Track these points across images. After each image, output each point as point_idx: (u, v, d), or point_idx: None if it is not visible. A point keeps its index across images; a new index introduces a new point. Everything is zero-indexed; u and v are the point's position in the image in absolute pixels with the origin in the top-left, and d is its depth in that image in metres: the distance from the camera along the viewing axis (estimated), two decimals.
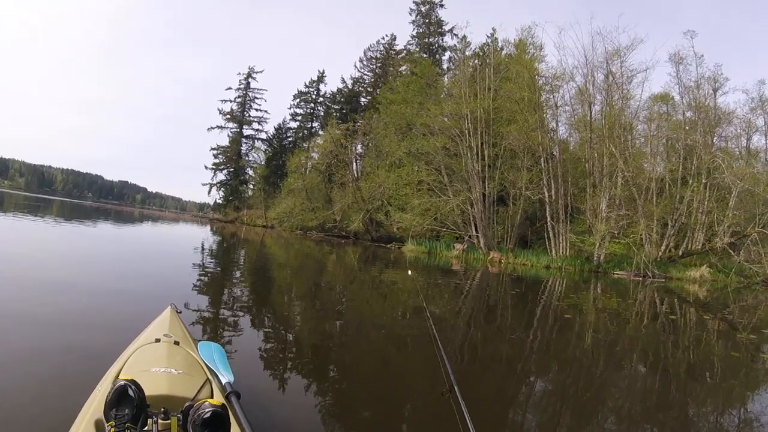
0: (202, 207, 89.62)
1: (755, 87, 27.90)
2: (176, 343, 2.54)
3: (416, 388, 3.90)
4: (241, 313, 5.88)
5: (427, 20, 42.05)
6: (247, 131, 53.67)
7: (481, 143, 26.09)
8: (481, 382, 4.24)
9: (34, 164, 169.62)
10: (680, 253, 24.67)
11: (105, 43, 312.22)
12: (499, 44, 32.46)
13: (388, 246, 29.12)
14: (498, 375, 4.59)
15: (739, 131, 28.20)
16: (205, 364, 2.37)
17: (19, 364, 3.17)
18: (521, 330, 7.01)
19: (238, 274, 10.97)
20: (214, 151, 53.43)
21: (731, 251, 23.11)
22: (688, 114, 27.30)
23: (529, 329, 7.12)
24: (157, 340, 2.52)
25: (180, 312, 3.26)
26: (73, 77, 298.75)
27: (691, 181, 24.34)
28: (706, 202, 24.30)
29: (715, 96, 27.07)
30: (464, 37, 32.88)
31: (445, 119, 27.42)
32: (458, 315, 8.00)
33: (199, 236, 23.23)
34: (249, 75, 53.46)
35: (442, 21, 42.09)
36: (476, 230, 25.77)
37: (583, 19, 31.92)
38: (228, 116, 52.99)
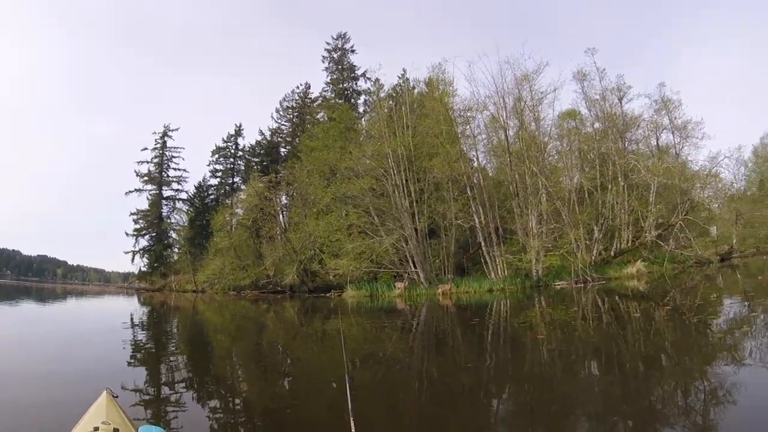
0: (126, 277, 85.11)
1: (656, 90, 30.08)
2: (116, 430, 2.43)
3: None
4: (182, 389, 5.43)
5: (339, 66, 42.61)
6: (166, 192, 51.55)
7: (406, 180, 26.23)
8: (451, 415, 4.10)
9: None
10: (612, 253, 25.75)
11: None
12: (411, 84, 33.34)
13: (327, 295, 28.30)
14: (463, 406, 4.42)
15: (647, 132, 30.24)
16: None
17: None
18: (476, 357, 6.91)
19: (173, 346, 10.29)
20: (134, 216, 50.93)
21: (660, 242, 24.39)
22: (597, 125, 29.04)
23: (484, 355, 7.03)
24: (96, 429, 2.39)
25: (116, 396, 3.09)
26: None
27: (610, 186, 25.64)
28: (626, 203, 25.63)
29: (621, 104, 29.18)
30: (377, 79, 33.43)
31: (368, 160, 27.41)
32: (411, 353, 7.76)
33: (127, 309, 21.81)
34: (165, 134, 51.65)
35: (355, 66, 42.87)
36: (414, 266, 25.62)
37: (490, 50, 33.66)
38: (146, 178, 50.72)
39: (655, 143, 30.88)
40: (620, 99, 29.25)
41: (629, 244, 26.20)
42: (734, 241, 27.02)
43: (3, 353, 7.37)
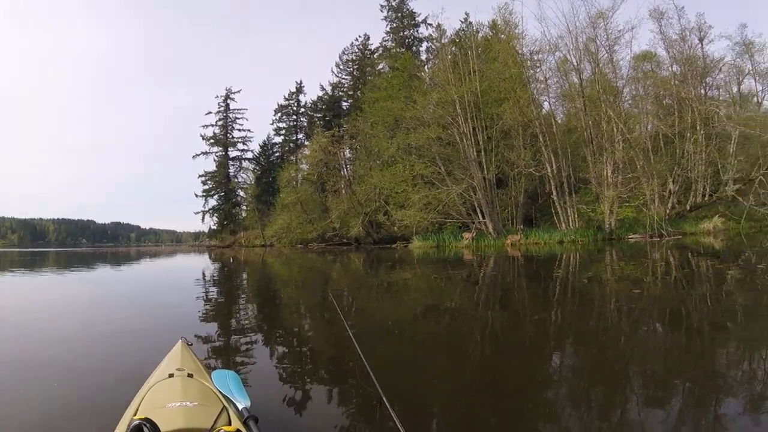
0: (197, 236, 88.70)
1: (737, 32, 27.71)
2: (190, 375, 2.54)
3: (441, 392, 3.54)
4: (251, 337, 5.54)
5: (399, 14, 41.43)
6: (232, 153, 52.83)
7: (474, 128, 25.51)
8: (513, 367, 4.09)
9: (25, 219, 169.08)
10: (687, 207, 24.34)
11: (82, 87, 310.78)
12: (475, 28, 32.09)
13: (393, 246, 28.49)
14: (525, 359, 4.36)
15: (729, 78, 28.02)
16: (221, 392, 2.36)
17: (37, 413, 3.06)
18: (543, 311, 6.69)
19: (243, 298, 10.53)
20: (203, 178, 52.59)
21: (739, 198, 22.80)
22: (675, 68, 27.01)
23: (548, 309, 6.75)
24: (171, 375, 2.51)
25: (191, 344, 3.24)
26: (53, 123, 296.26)
27: (688, 135, 23.99)
28: (704, 153, 23.98)
29: (702, 46, 26.85)
30: (439, 25, 32.28)
31: (434, 109, 26.83)
32: (476, 305, 7.52)
33: (199, 266, 22.57)
34: (227, 96, 52.75)
35: (415, 12, 41.53)
36: (482, 216, 25.18)
37: None
38: (211, 141, 52.12)
39: (737, 90, 28.71)
40: (701, 40, 26.90)
41: (706, 198, 24.61)
42: None
43: (86, 316, 7.63)
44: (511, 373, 3.91)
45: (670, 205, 23.81)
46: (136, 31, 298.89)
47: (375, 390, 2.72)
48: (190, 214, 72.04)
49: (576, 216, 23.96)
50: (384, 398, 2.45)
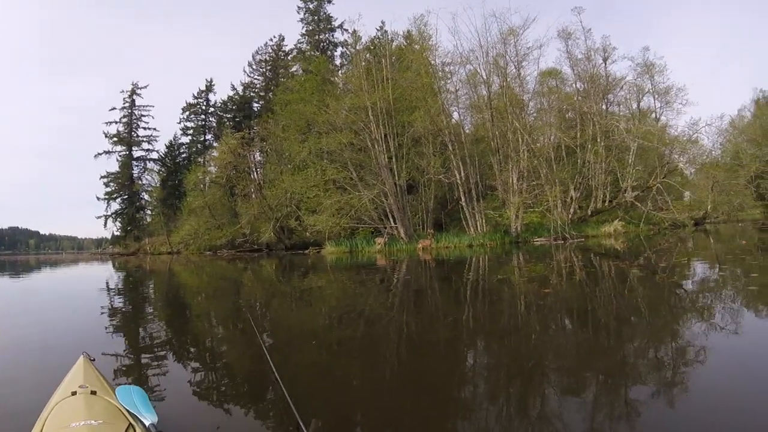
0: (100, 243, 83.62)
1: (640, 54, 30.04)
2: (93, 392, 2.49)
3: (359, 400, 3.50)
4: (159, 350, 5.32)
5: (315, 17, 41.00)
6: (137, 153, 49.52)
7: (385, 134, 25.62)
8: (429, 366, 4.13)
9: None
10: (589, 212, 25.92)
11: None
12: (390, 37, 32.36)
13: (305, 252, 27.91)
14: (442, 358, 4.39)
15: (629, 95, 30.28)
16: (126, 409, 2.32)
17: None
18: (456, 312, 6.82)
19: (150, 309, 9.88)
20: (105, 179, 48.89)
21: (638, 204, 24.69)
22: (579, 84, 28.82)
23: (461, 310, 6.89)
24: (74, 393, 2.44)
25: (93, 360, 3.15)
26: None
27: (589, 146, 25.56)
28: (604, 163, 25.74)
29: (605, 65, 28.79)
30: (355, 31, 32.25)
31: (347, 114, 26.67)
32: (390, 309, 7.49)
33: (102, 275, 21.02)
34: (133, 92, 49.32)
35: (332, 17, 41.30)
36: (394, 221, 25.31)
37: (476, 3, 32.50)
38: (115, 139, 48.54)
39: (636, 106, 31.07)
40: (605, 60, 29.05)
41: (606, 204, 26.49)
42: (708, 207, 27.40)
43: None
44: (429, 373, 3.88)
45: (572, 210, 25.23)
46: (25, 11, 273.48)
47: (289, 407, 2.59)
48: (92, 219, 66.87)
49: (484, 221, 24.74)
50: (301, 423, 2.36)
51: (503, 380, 3.61)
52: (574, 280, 9.28)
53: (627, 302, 6.46)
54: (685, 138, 26.72)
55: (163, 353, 5.14)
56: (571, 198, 25.29)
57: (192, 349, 5.59)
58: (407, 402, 3.20)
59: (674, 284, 7.72)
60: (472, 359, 4.41)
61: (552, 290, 7.79)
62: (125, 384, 2.88)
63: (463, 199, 25.04)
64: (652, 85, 29.92)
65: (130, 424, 2.17)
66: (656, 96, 30.14)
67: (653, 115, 30.61)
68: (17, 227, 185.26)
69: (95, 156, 48.77)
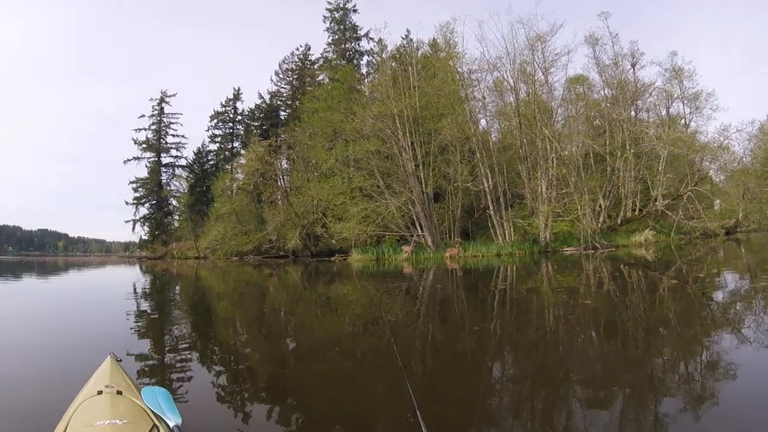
0: (128, 246, 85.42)
1: (668, 59, 29.41)
2: (119, 392, 2.51)
3: (380, 410, 3.52)
4: (184, 353, 5.40)
5: (341, 26, 41.19)
6: (165, 159, 50.50)
7: (412, 142, 25.60)
8: (450, 381, 4.05)
9: None
10: (619, 221, 25.47)
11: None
12: (415, 45, 32.39)
13: (331, 259, 27.98)
14: (463, 372, 4.39)
15: (658, 101, 29.65)
16: (151, 410, 2.33)
17: None
18: (482, 322, 6.77)
19: (176, 312, 10.05)
20: (134, 185, 49.95)
21: (668, 212, 24.16)
22: (607, 91, 28.39)
23: (489, 321, 6.82)
24: (100, 393, 2.48)
25: (120, 360, 3.18)
26: None
27: (619, 153, 25.16)
28: (633, 171, 25.28)
29: (634, 71, 28.35)
30: (380, 39, 32.45)
31: (373, 121, 26.76)
32: (416, 318, 7.46)
33: (129, 278, 21.42)
34: (162, 100, 50.40)
35: (357, 26, 41.47)
36: (421, 229, 25.22)
37: (502, 10, 32.50)
38: (144, 145, 49.67)
39: (666, 113, 30.45)
40: (633, 65, 28.64)
41: (636, 213, 25.98)
42: (740, 216, 26.72)
43: (10, 330, 7.33)
44: (454, 384, 3.87)
45: (601, 219, 24.79)
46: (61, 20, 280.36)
47: (312, 409, 2.79)
48: (121, 223, 68.45)
49: (512, 229, 24.50)
50: (418, 412, 2.38)
51: (528, 393, 3.59)
52: (605, 290, 9.17)
53: (656, 314, 6.37)
54: (715, 144, 26.18)
55: (188, 356, 5.22)
56: (601, 206, 24.89)
57: (217, 353, 5.67)
58: (430, 415, 3.21)
59: (706, 296, 7.60)
60: (499, 371, 4.38)
61: (591, 301, 7.68)
62: (150, 385, 2.97)
63: (491, 208, 24.85)
64: (681, 90, 29.41)
65: (155, 424, 2.20)
66: (685, 101, 29.62)
67: (683, 121, 30.05)
68: (46, 229, 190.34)
69: (124, 162, 49.92)
